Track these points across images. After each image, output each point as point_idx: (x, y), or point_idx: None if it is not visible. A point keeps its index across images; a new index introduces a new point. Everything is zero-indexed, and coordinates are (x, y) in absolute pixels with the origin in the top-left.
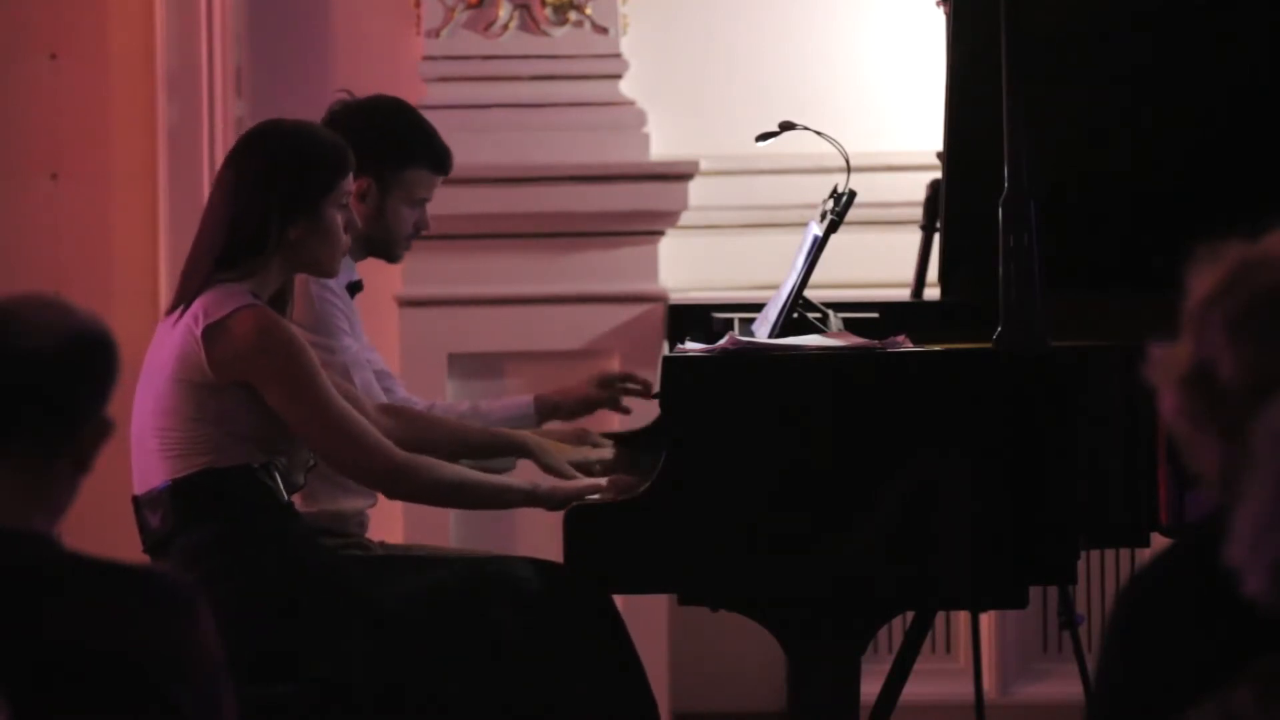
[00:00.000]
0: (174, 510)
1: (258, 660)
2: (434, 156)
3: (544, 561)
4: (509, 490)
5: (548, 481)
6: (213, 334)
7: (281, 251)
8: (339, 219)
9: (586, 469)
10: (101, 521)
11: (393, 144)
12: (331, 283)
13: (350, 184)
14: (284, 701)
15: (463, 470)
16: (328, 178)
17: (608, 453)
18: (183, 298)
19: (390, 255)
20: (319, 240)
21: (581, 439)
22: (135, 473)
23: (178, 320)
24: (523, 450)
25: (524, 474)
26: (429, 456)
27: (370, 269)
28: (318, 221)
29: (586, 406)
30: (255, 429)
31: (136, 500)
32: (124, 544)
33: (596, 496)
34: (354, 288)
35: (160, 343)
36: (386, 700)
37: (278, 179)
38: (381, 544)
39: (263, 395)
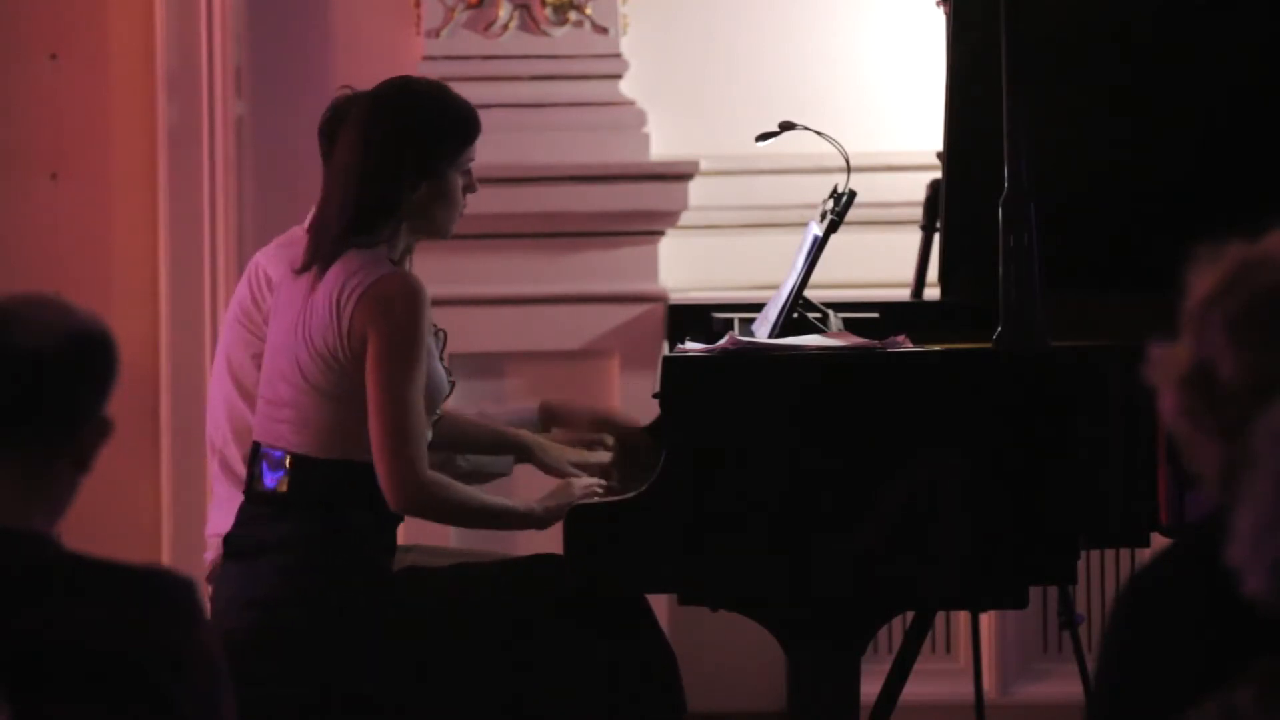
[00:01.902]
0: (294, 484)
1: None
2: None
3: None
4: (510, 513)
5: (550, 484)
6: (357, 301)
7: (404, 213)
8: (460, 184)
9: (586, 471)
10: (102, 521)
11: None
12: None
13: (474, 152)
14: (284, 701)
15: (472, 495)
16: (457, 143)
17: (606, 456)
18: (317, 256)
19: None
20: (441, 204)
21: (583, 440)
22: (257, 418)
23: (314, 284)
24: (524, 449)
25: (522, 475)
26: (444, 476)
27: None
28: (443, 185)
29: (582, 431)
30: None
31: (256, 449)
32: (122, 544)
33: (595, 495)
34: None
35: (290, 301)
36: (400, 701)
37: (410, 143)
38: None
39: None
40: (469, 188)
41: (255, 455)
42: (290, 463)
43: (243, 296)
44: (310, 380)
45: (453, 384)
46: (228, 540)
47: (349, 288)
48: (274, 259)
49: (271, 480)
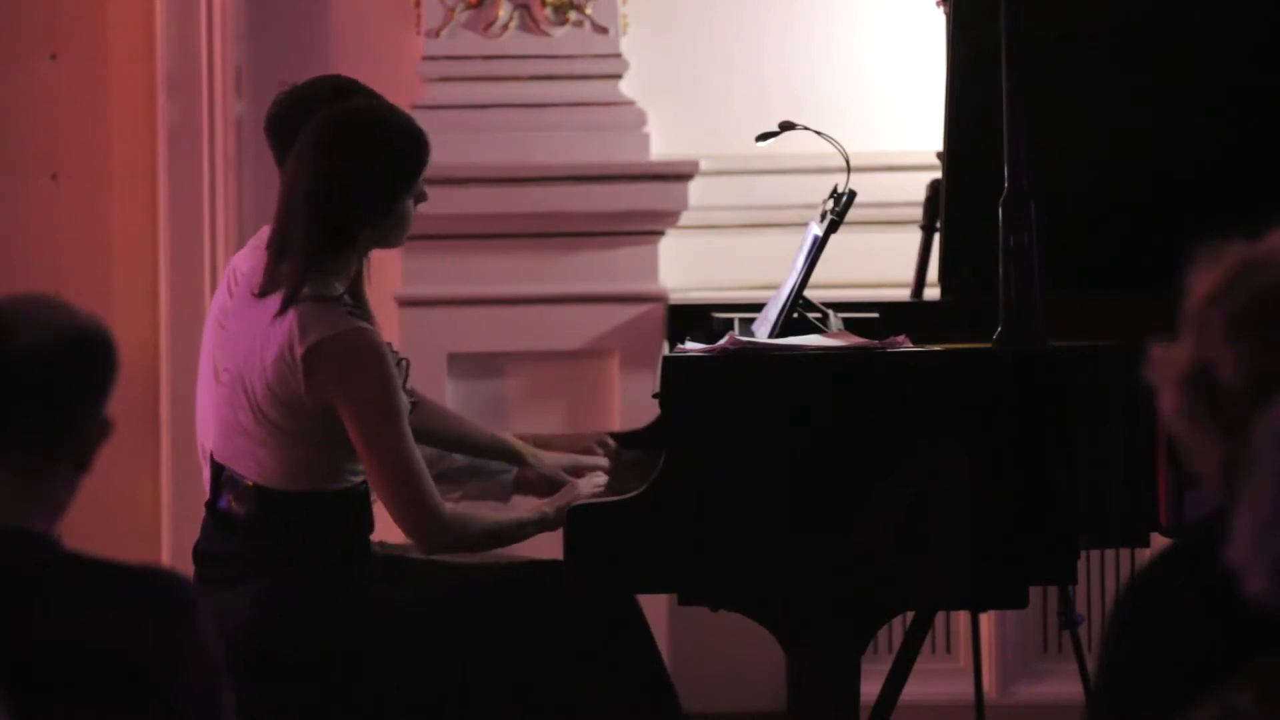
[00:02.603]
0: (269, 511)
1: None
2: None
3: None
4: (526, 524)
5: (550, 502)
6: (312, 359)
7: (365, 243)
8: (412, 205)
9: (578, 475)
10: (102, 521)
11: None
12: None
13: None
14: (284, 701)
15: (492, 520)
16: (411, 172)
17: (603, 461)
18: (275, 287)
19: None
20: (397, 228)
21: (578, 443)
22: (216, 434)
23: (273, 319)
24: (516, 456)
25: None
26: (464, 510)
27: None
28: (396, 211)
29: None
30: (347, 449)
31: (220, 470)
32: (122, 544)
33: (597, 495)
34: None
35: (250, 327)
36: (395, 705)
37: (373, 181)
38: (381, 544)
39: (340, 415)
40: (420, 197)
41: (218, 474)
42: (257, 493)
43: (222, 301)
44: (269, 419)
45: (414, 404)
46: (198, 555)
47: (306, 341)
48: (248, 258)
49: (240, 506)
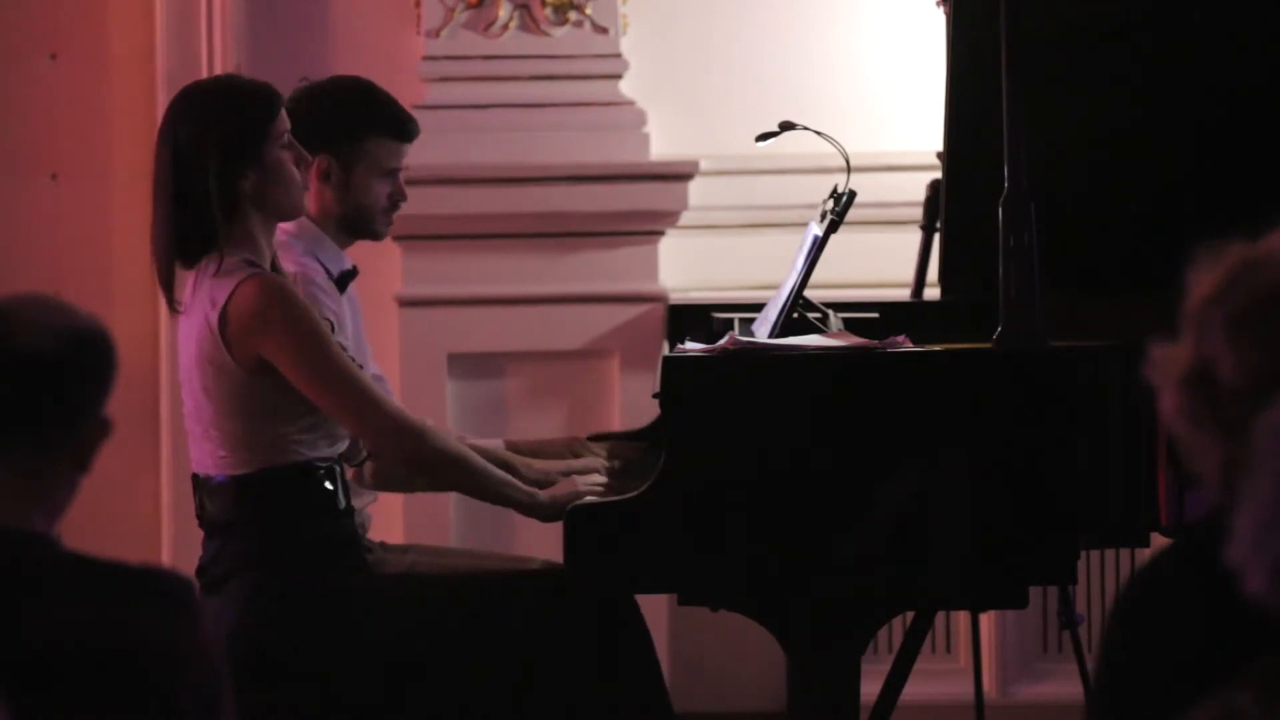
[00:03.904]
0: (234, 504)
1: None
2: (393, 122)
3: (558, 565)
4: (510, 487)
5: (547, 491)
6: (224, 317)
7: (246, 207)
8: (286, 158)
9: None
10: (102, 521)
11: (347, 116)
12: (321, 279)
13: (285, 123)
14: (284, 701)
15: (471, 455)
16: (259, 119)
17: (598, 462)
18: (166, 285)
19: (372, 233)
20: (274, 183)
21: (570, 447)
22: (192, 452)
23: (187, 310)
24: (508, 468)
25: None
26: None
27: (369, 267)
28: (264, 165)
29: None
30: (298, 415)
31: (197, 480)
32: (122, 544)
33: (596, 495)
34: (347, 276)
35: (186, 338)
36: (391, 707)
37: (211, 136)
38: (382, 544)
39: (276, 367)
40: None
41: (195, 486)
42: (230, 485)
43: None
44: (216, 402)
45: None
46: (200, 572)
47: (218, 307)
48: None
49: (213, 506)
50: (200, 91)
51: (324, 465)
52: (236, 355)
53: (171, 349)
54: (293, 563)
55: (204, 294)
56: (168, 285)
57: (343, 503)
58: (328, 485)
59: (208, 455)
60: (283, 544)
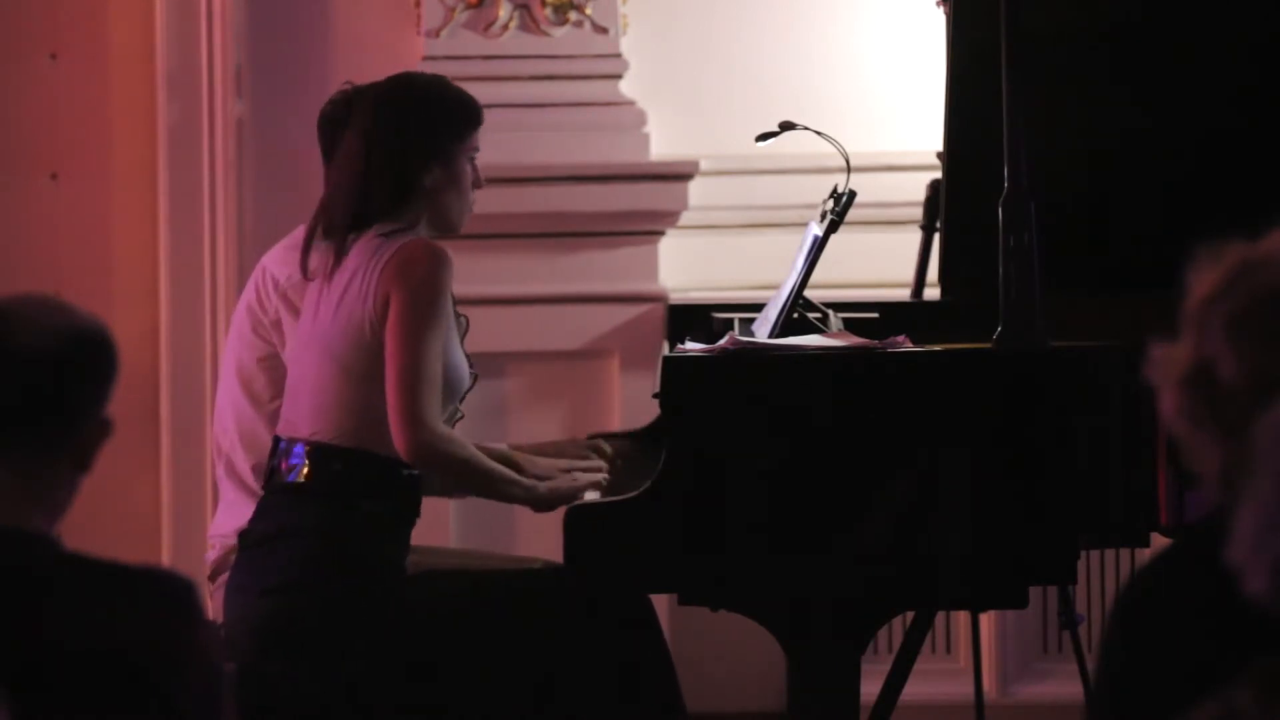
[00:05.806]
0: (313, 472)
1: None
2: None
3: (561, 566)
4: (514, 487)
5: (546, 484)
6: (387, 268)
7: (418, 200)
8: (469, 171)
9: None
10: (102, 521)
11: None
12: None
13: (478, 141)
14: (296, 689)
15: (480, 456)
16: (462, 125)
17: (599, 462)
18: (331, 235)
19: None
20: (454, 191)
21: (575, 448)
22: (283, 413)
23: (332, 271)
24: (511, 464)
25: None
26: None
27: None
28: (452, 169)
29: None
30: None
31: (276, 446)
32: (122, 544)
33: (596, 495)
34: None
35: (312, 301)
36: (405, 695)
37: (415, 127)
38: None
39: (387, 318)
40: (476, 183)
41: (274, 450)
42: (309, 451)
43: (249, 300)
44: (339, 360)
45: (474, 375)
46: (244, 534)
47: (379, 257)
48: (280, 261)
49: (291, 474)
50: (412, 84)
51: (412, 477)
52: (375, 302)
53: (172, 349)
54: (355, 542)
55: (363, 251)
56: (331, 234)
57: (418, 510)
58: (409, 493)
59: (306, 413)
60: (346, 521)
